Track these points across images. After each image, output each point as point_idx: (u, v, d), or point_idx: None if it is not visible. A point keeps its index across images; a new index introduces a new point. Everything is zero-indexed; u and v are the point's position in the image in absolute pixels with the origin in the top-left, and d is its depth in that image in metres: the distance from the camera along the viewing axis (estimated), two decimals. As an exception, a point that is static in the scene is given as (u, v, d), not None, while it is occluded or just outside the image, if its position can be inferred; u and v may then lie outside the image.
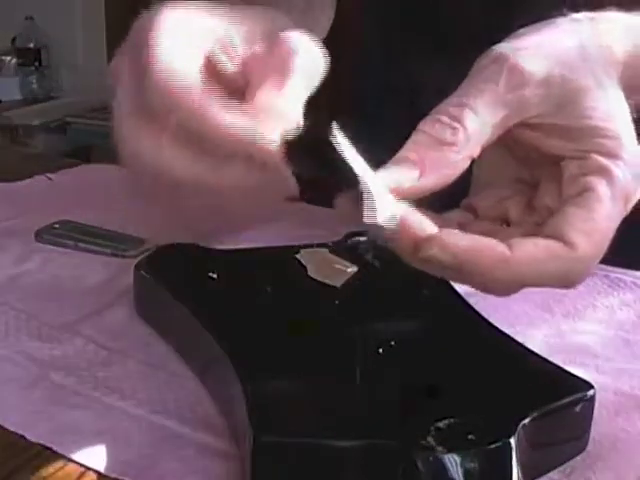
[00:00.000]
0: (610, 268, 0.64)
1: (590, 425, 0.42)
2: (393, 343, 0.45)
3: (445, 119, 0.40)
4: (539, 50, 0.42)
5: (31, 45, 2.91)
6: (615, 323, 0.56)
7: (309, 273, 0.54)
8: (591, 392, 0.42)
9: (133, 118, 0.41)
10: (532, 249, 0.39)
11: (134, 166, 0.42)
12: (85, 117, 2.73)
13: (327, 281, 0.53)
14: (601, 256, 0.41)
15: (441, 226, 0.38)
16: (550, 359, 0.44)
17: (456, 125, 0.40)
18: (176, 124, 0.40)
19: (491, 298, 0.58)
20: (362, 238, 0.59)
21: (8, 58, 2.92)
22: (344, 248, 0.58)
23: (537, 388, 0.42)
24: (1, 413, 0.44)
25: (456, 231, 0.39)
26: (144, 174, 0.42)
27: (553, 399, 0.41)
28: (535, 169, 0.45)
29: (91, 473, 0.40)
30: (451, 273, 0.40)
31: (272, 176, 0.40)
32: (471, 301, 0.52)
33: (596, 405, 0.42)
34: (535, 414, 0.39)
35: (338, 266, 0.55)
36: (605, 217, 0.40)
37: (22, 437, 0.42)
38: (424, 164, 0.39)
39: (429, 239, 0.37)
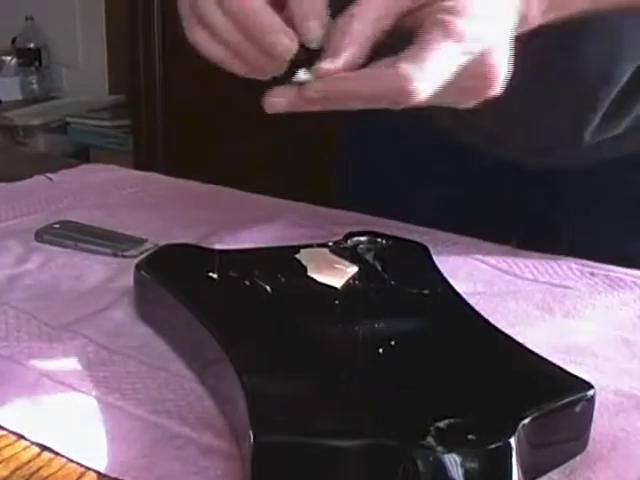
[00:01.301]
0: (610, 268, 0.64)
1: (590, 425, 0.42)
2: (393, 343, 0.45)
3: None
4: None
5: (31, 45, 2.91)
6: (615, 323, 0.56)
7: (309, 273, 0.54)
8: (591, 392, 0.42)
9: None
10: (366, 69, 0.47)
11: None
12: (85, 117, 2.73)
13: (327, 281, 0.53)
14: (436, 86, 0.46)
15: None
16: (550, 359, 0.44)
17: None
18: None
19: (491, 298, 0.58)
20: (362, 238, 0.60)
21: (8, 58, 2.92)
22: (344, 248, 0.58)
23: (537, 388, 0.42)
24: (1, 413, 0.44)
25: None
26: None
27: (553, 399, 0.41)
28: None
29: (91, 473, 0.40)
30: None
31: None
32: (471, 301, 0.52)
33: (596, 405, 0.42)
34: (535, 414, 0.39)
35: (338, 266, 0.55)
36: (437, 50, 0.45)
37: (22, 437, 0.43)
38: None
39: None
